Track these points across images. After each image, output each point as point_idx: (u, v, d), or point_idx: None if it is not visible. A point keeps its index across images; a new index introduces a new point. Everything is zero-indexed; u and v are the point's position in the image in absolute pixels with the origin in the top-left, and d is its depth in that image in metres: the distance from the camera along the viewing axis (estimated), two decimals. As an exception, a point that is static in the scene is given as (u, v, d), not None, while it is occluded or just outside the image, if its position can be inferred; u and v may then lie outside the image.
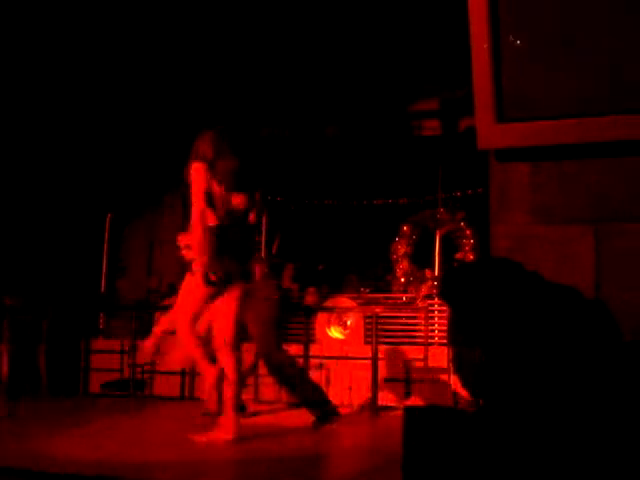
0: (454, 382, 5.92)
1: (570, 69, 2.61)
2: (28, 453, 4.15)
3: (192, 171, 4.37)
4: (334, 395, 6.09)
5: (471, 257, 8.67)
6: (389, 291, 8.83)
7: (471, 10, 2.56)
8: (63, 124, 7.73)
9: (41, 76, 7.36)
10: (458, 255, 8.84)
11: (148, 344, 5.44)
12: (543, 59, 2.58)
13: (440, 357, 6.28)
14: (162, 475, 3.78)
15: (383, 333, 6.88)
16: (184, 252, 5.01)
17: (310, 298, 8.29)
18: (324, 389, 5.36)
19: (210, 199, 4.44)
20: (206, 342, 4.62)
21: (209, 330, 4.71)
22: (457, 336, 2.00)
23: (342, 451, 4.68)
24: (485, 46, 2.55)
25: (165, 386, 7.04)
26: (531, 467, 1.72)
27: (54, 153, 7.67)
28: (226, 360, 4.51)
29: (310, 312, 7.36)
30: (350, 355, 6.60)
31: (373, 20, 7.64)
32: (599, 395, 1.75)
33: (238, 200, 4.55)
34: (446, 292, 2.11)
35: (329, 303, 7.57)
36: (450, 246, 9.01)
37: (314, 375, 6.16)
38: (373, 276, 9.52)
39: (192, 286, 4.53)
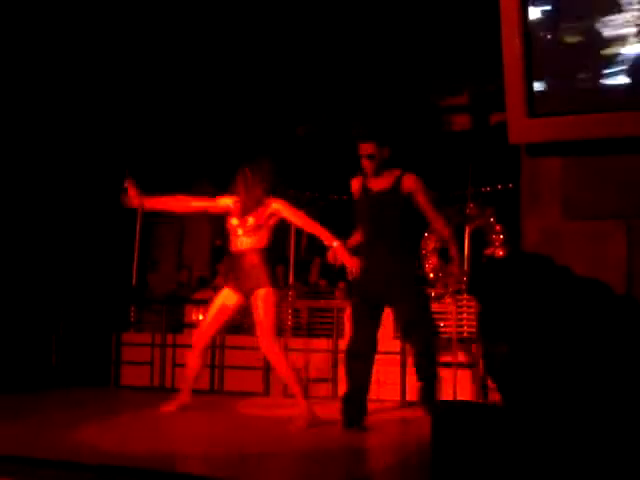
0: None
1: (603, 64, 2.59)
2: (55, 443, 4.20)
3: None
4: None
5: (501, 253, 8.61)
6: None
7: (503, 8, 2.55)
8: (96, 116, 7.81)
9: (72, 68, 7.44)
10: (487, 251, 8.79)
11: None
12: (574, 54, 2.56)
13: (468, 352, 6.26)
14: (191, 468, 3.81)
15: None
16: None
17: (339, 293, 8.30)
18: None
19: None
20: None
21: None
22: (487, 331, 1.99)
23: (372, 446, 4.69)
24: (516, 43, 2.54)
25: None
26: (559, 462, 1.72)
27: (84, 146, 7.75)
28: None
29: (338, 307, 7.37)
30: (379, 349, 6.60)
31: (402, 15, 7.62)
32: (630, 391, 1.73)
33: None
34: (476, 288, 2.11)
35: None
36: (479, 242, 8.96)
37: (343, 370, 6.18)
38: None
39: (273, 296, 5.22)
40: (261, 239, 5.28)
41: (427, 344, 4.97)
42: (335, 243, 5.07)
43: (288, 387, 5.31)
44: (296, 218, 5.28)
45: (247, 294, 5.25)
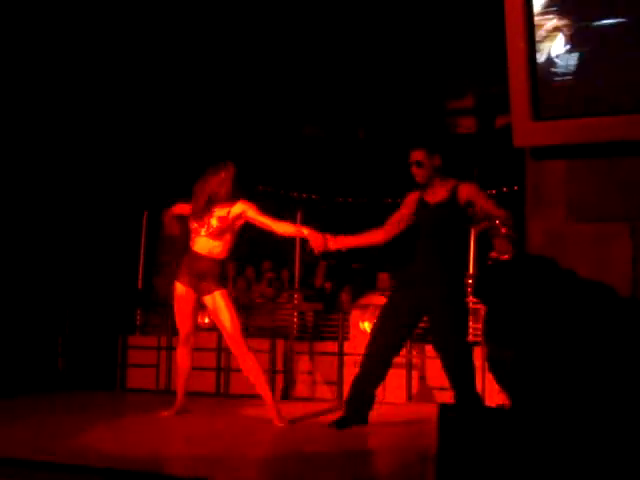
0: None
1: (608, 67, 2.60)
2: (57, 446, 4.20)
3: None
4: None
5: (506, 255, 8.60)
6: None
7: (508, 10, 2.56)
8: (100, 122, 7.83)
9: (75, 76, 7.47)
10: (493, 253, 8.77)
11: None
12: (578, 58, 2.57)
13: (475, 356, 6.25)
14: (194, 471, 3.81)
15: (417, 331, 6.86)
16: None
17: (344, 296, 8.31)
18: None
19: None
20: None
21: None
22: (493, 334, 2.00)
23: (375, 447, 4.69)
24: (521, 46, 2.55)
25: (200, 382, 7.10)
26: (564, 466, 1.72)
27: (90, 152, 7.77)
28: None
29: (344, 310, 7.40)
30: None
31: (407, 18, 7.62)
32: (636, 395, 1.73)
33: None
34: (482, 291, 2.11)
35: (363, 301, 7.58)
36: (485, 244, 8.94)
37: (349, 372, 6.21)
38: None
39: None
40: (224, 247, 5.28)
41: (460, 360, 4.89)
42: (306, 231, 5.11)
43: (257, 387, 5.30)
44: (263, 219, 5.22)
45: (199, 293, 5.30)
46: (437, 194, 4.95)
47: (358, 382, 4.98)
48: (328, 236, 5.13)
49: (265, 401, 5.26)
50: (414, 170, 4.96)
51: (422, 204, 5.02)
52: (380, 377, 5.02)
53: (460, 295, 5.05)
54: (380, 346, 4.96)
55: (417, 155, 4.95)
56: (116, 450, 4.14)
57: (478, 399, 4.89)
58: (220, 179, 5.27)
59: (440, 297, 4.85)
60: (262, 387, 5.27)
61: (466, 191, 4.88)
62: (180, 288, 5.37)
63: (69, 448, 4.15)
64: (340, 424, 4.91)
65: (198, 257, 5.26)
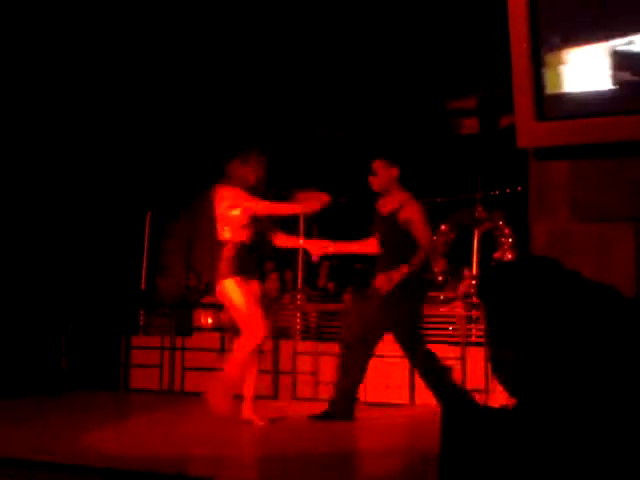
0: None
1: (612, 66, 2.59)
2: (58, 446, 4.19)
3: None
4: (371, 393, 6.09)
5: (509, 256, 8.61)
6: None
7: (511, 10, 2.55)
8: (102, 123, 7.84)
9: (78, 76, 7.48)
10: (497, 254, 8.78)
11: None
12: (581, 58, 2.56)
13: (477, 357, 6.25)
14: (194, 470, 3.81)
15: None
16: None
17: (347, 296, 8.31)
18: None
19: None
20: None
21: None
22: (495, 336, 1.99)
23: (378, 448, 4.68)
24: (524, 46, 2.54)
25: (202, 383, 7.09)
26: (568, 467, 1.71)
27: (93, 152, 7.78)
28: None
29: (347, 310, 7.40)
30: (387, 353, 6.59)
31: (411, 18, 7.62)
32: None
33: None
34: (484, 292, 2.10)
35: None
36: (489, 245, 8.95)
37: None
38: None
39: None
40: None
41: (419, 365, 5.15)
42: (301, 241, 5.42)
43: (225, 386, 5.08)
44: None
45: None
46: (387, 206, 5.07)
47: (341, 379, 5.08)
48: (326, 242, 5.22)
49: (217, 394, 5.06)
50: (369, 178, 5.11)
51: (375, 213, 5.15)
52: (362, 371, 5.13)
53: (406, 299, 5.06)
54: (359, 340, 5.07)
55: (373, 164, 5.07)
56: (117, 450, 4.14)
57: (457, 391, 4.99)
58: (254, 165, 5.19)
59: (387, 300, 4.94)
60: (230, 384, 5.04)
61: (407, 213, 5.00)
62: (243, 283, 4.95)
63: (70, 448, 4.15)
64: (319, 417, 5.01)
65: (258, 245, 5.15)
